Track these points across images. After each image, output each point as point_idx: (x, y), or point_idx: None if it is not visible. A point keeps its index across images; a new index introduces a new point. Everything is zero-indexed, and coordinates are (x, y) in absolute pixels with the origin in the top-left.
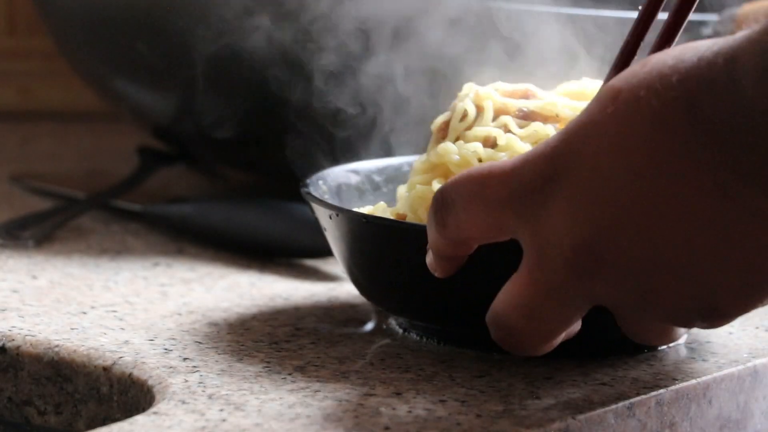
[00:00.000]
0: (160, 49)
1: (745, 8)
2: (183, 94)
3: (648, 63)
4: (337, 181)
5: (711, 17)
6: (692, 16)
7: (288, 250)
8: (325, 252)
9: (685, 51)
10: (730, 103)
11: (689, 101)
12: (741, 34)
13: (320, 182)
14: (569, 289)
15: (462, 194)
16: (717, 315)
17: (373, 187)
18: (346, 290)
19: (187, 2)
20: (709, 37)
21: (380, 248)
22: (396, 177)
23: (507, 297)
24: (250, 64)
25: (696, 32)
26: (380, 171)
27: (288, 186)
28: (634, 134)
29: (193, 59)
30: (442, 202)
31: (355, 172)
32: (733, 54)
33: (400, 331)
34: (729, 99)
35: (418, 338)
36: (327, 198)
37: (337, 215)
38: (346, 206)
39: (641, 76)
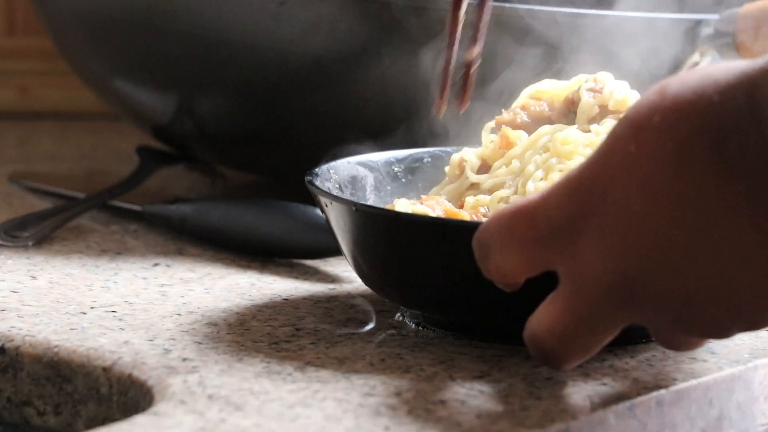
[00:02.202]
0: (159, 49)
1: (746, 8)
2: (183, 94)
3: (665, 94)
4: (349, 173)
5: (712, 16)
6: (692, 15)
7: (288, 251)
8: (325, 252)
9: (703, 83)
10: (755, 139)
11: (713, 140)
12: (758, 63)
13: (330, 173)
14: (605, 318)
15: (495, 237)
16: (756, 326)
17: (391, 177)
18: (346, 290)
19: (186, 2)
20: (709, 36)
21: (405, 242)
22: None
23: (544, 321)
24: (249, 64)
25: (696, 32)
26: (399, 161)
27: (288, 186)
28: (660, 173)
29: (192, 59)
30: (480, 246)
31: (365, 164)
32: (752, 89)
33: (412, 325)
34: (753, 135)
35: (427, 333)
36: (337, 190)
37: (355, 209)
38: (360, 199)
39: (661, 111)
